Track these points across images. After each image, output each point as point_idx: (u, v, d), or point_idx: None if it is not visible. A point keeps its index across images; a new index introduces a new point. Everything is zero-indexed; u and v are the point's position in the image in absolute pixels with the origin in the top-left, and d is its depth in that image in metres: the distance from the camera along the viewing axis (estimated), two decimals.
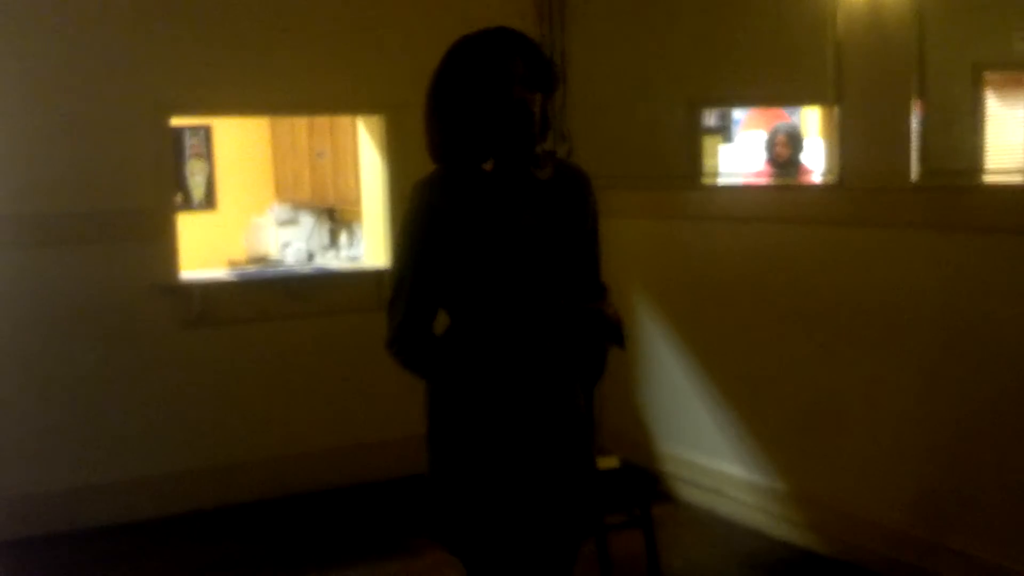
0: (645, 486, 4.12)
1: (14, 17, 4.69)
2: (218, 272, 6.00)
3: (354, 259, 6.51)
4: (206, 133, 7.39)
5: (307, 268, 6.35)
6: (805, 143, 5.63)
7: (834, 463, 4.33)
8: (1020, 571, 3.64)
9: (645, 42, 5.20)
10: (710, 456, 4.93)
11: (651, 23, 5.16)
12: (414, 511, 4.52)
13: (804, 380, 4.44)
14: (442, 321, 2.42)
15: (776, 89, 4.75)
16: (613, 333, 2.42)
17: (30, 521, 4.73)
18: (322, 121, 6.86)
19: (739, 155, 5.83)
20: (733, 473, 4.81)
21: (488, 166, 2.36)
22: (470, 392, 2.38)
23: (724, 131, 5.93)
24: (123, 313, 4.95)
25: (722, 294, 4.83)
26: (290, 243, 7.04)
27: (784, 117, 5.82)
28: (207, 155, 7.43)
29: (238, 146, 7.50)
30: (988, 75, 3.93)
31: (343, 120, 6.48)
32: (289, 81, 5.24)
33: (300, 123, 7.13)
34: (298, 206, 7.24)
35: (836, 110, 4.20)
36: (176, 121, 5.56)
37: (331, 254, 6.99)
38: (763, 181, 5.54)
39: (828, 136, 4.41)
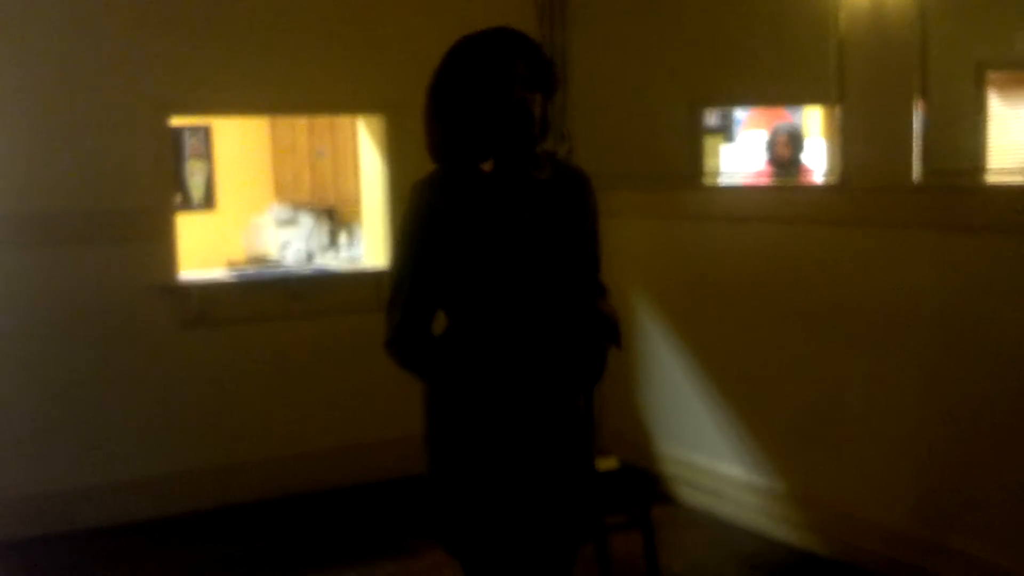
0: (644, 487, 4.12)
1: (13, 17, 4.68)
2: (217, 272, 5.99)
3: (354, 259, 6.49)
4: (206, 133, 7.37)
5: (306, 269, 6.34)
6: (806, 143, 5.62)
7: (834, 464, 4.32)
8: (1020, 571, 3.63)
9: (646, 42, 5.20)
10: (710, 457, 4.92)
11: (652, 23, 5.15)
12: (413, 512, 4.51)
13: (805, 381, 4.43)
14: (442, 321, 2.41)
15: (778, 89, 4.75)
16: (611, 332, 2.42)
17: (29, 521, 4.72)
18: (322, 121, 6.85)
19: (740, 155, 5.82)
20: (733, 474, 4.80)
21: (488, 166, 2.36)
22: (469, 393, 2.37)
23: (725, 131, 5.92)
24: (122, 313, 4.94)
25: (723, 294, 4.82)
26: (289, 243, 7.03)
27: (786, 117, 5.80)
28: (207, 155, 7.42)
29: (238, 146, 7.49)
30: (991, 75, 3.92)
31: (343, 120, 6.47)
32: (289, 81, 5.24)
33: (300, 123, 7.12)
34: (298, 206, 7.23)
35: (838, 110, 4.19)
36: (176, 121, 5.55)
37: (331, 254, 6.97)
38: (764, 181, 5.53)
39: (830, 136, 4.40)
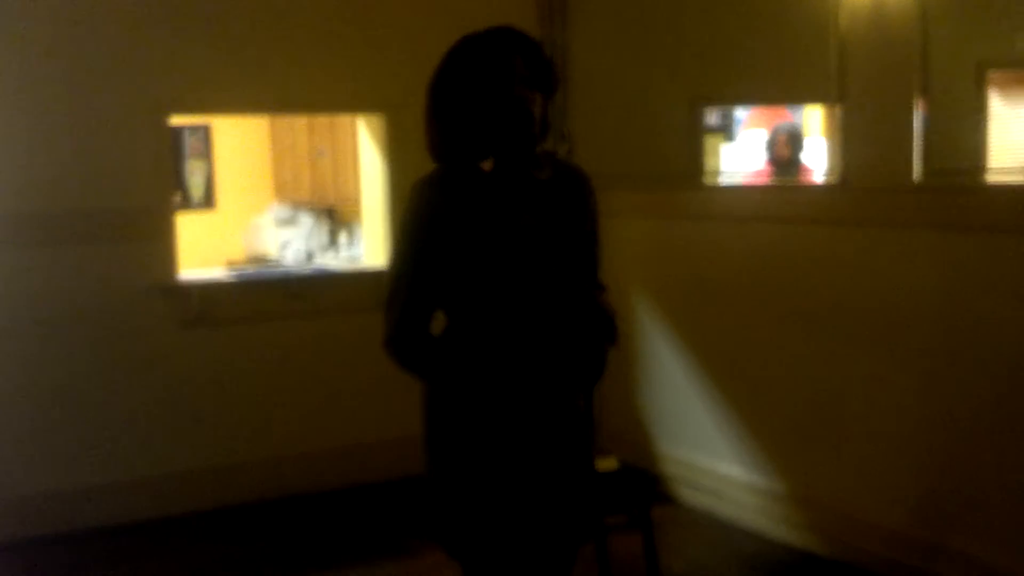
0: (645, 487, 4.11)
1: (13, 16, 4.67)
2: (217, 272, 5.98)
3: (354, 259, 6.49)
4: (205, 132, 7.37)
5: (306, 269, 6.33)
6: (806, 143, 5.62)
7: (834, 464, 4.32)
8: (1021, 572, 3.62)
9: (647, 41, 5.19)
10: (710, 457, 4.91)
11: (653, 22, 5.14)
12: (413, 512, 4.51)
13: (805, 381, 4.43)
14: (441, 321, 2.41)
15: (778, 88, 4.74)
16: (607, 328, 2.42)
17: (28, 522, 4.72)
18: (322, 120, 6.84)
19: (741, 154, 5.81)
20: (733, 474, 4.79)
21: (487, 166, 2.36)
22: (468, 393, 2.37)
23: (726, 130, 5.91)
24: (122, 313, 4.93)
25: (723, 294, 4.81)
26: (289, 243, 7.02)
27: (786, 116, 5.80)
28: (206, 154, 7.41)
29: (237, 145, 7.48)
30: (992, 74, 3.92)
31: (343, 119, 6.47)
32: (289, 80, 5.23)
33: (300, 122, 7.11)
34: (297, 206, 7.23)
35: (838, 109, 4.19)
36: (175, 120, 5.54)
37: (330, 254, 6.97)
38: (765, 181, 5.52)
39: (830, 135, 4.40)
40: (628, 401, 5.31)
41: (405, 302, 2.35)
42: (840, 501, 4.29)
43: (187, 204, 7.20)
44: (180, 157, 7.21)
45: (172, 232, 5.05)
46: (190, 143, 7.32)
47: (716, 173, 5.30)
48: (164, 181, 5.12)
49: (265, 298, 5.33)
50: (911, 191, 3.89)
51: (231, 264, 6.74)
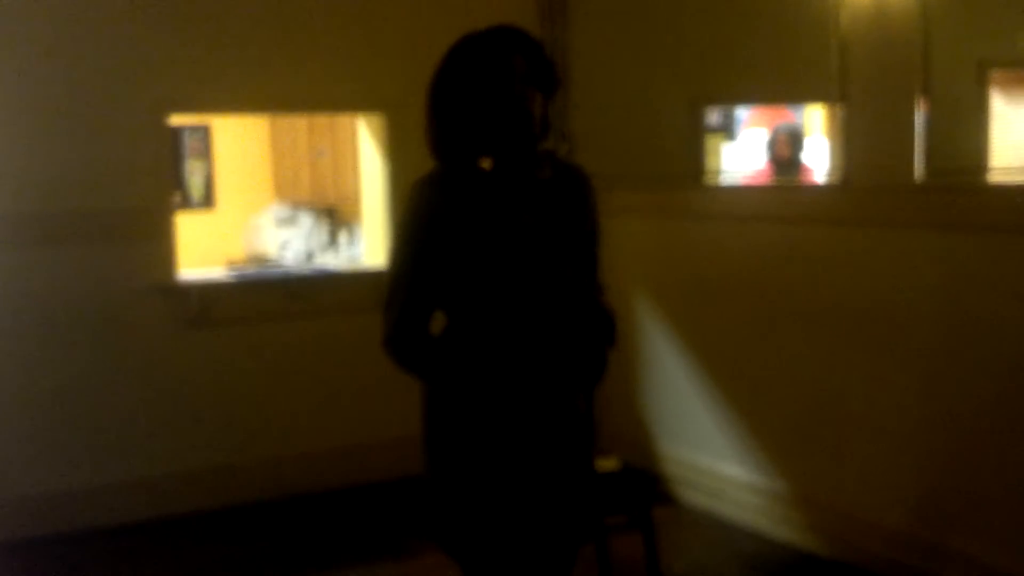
0: (645, 488, 4.10)
1: (12, 16, 4.66)
2: (217, 272, 5.98)
3: (354, 258, 6.48)
4: (205, 132, 7.36)
5: (306, 269, 6.33)
6: (806, 143, 5.61)
7: (836, 464, 4.31)
8: (1021, 572, 3.61)
9: (648, 40, 5.18)
10: (711, 457, 4.90)
11: (654, 21, 5.13)
12: (413, 512, 4.50)
13: (806, 381, 4.42)
14: (440, 321, 2.40)
15: (779, 88, 4.73)
16: (607, 329, 2.41)
17: (28, 522, 4.71)
18: (321, 120, 6.83)
19: (741, 154, 5.81)
20: (734, 474, 4.78)
21: (487, 165, 2.35)
22: (467, 393, 2.36)
23: (727, 130, 5.90)
24: (121, 313, 4.92)
25: (724, 294, 4.80)
26: (289, 243, 7.02)
27: (788, 116, 5.79)
28: (206, 154, 7.41)
29: (237, 145, 7.47)
30: (994, 73, 3.91)
31: (343, 119, 6.46)
32: (289, 79, 5.22)
33: (299, 122, 7.10)
34: (297, 205, 7.22)
35: (840, 108, 4.18)
36: (175, 120, 5.53)
37: (330, 253, 6.96)
38: (765, 181, 5.52)
39: (832, 135, 4.39)
40: (628, 401, 5.30)
41: (404, 302, 2.34)
42: (841, 501, 4.28)
43: (187, 204, 7.19)
44: (180, 157, 7.20)
45: (172, 232, 5.04)
46: (190, 143, 7.32)
47: (717, 172, 5.29)
48: (164, 181, 5.12)
49: (265, 298, 5.32)
50: (912, 191, 3.88)
51: (231, 264, 6.73)
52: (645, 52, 5.19)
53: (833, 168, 4.32)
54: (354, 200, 6.26)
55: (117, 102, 4.86)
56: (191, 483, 5.05)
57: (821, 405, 4.36)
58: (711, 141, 5.43)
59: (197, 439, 5.08)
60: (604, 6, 5.43)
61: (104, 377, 4.90)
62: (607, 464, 3.90)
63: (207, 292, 5.20)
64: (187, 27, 4.98)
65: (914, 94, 3.83)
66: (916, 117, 3.83)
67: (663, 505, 4.73)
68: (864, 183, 4.09)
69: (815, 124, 5.71)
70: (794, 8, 4.34)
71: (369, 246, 5.81)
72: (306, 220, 7.13)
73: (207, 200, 7.42)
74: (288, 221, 7.15)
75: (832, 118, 4.35)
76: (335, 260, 6.73)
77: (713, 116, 5.51)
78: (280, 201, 7.34)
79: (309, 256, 6.95)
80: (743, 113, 5.98)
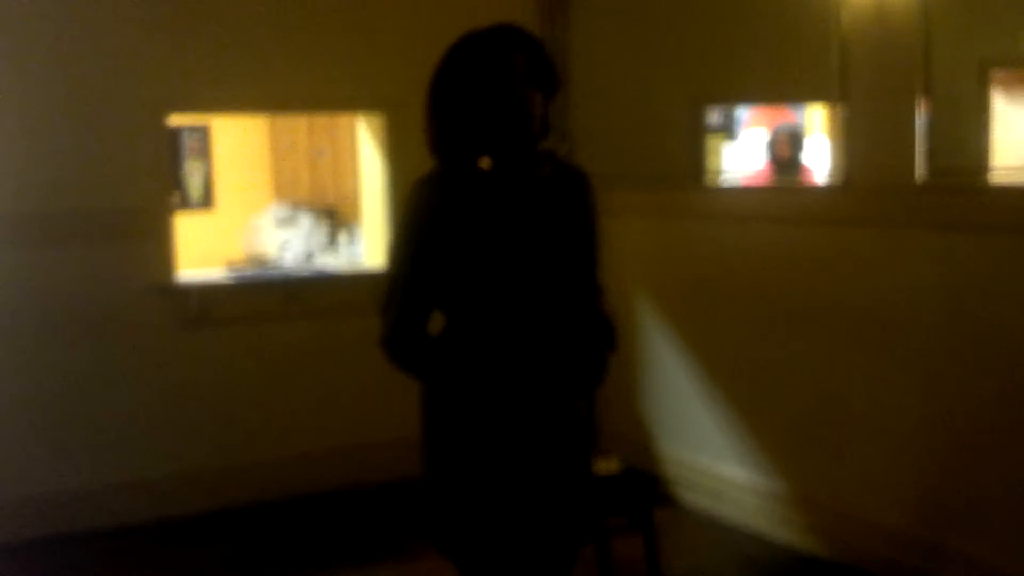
0: (646, 489, 4.09)
1: (11, 16, 4.65)
2: (216, 273, 5.97)
3: (354, 259, 6.47)
4: (204, 132, 7.35)
5: (305, 270, 6.31)
6: (806, 143, 5.61)
7: (836, 465, 4.30)
8: (1022, 572, 3.60)
9: (648, 40, 5.17)
10: (712, 459, 4.89)
11: (655, 21, 5.12)
12: (413, 514, 4.49)
13: (807, 382, 4.41)
14: (439, 321, 2.39)
15: (780, 87, 4.72)
16: (607, 335, 2.39)
17: (27, 523, 4.70)
18: (321, 120, 6.82)
19: (742, 153, 5.80)
20: (734, 476, 4.77)
21: (486, 164, 2.34)
22: (465, 394, 2.35)
23: (727, 129, 5.90)
24: (120, 313, 4.91)
25: (725, 295, 4.79)
26: (289, 243, 7.00)
27: (788, 115, 5.78)
28: (205, 154, 7.40)
29: (236, 145, 7.47)
30: (995, 72, 3.90)
31: (343, 119, 6.45)
32: (288, 79, 5.21)
33: (299, 122, 7.09)
34: (297, 206, 7.21)
35: (840, 108, 4.17)
36: (174, 120, 5.52)
37: (330, 254, 6.95)
38: (766, 181, 5.51)
39: (833, 135, 4.38)
40: (629, 402, 5.29)
41: (402, 302, 2.34)
42: (841, 502, 4.27)
43: (185, 204, 7.18)
44: (179, 157, 7.19)
45: (171, 232, 5.03)
46: (189, 143, 7.31)
47: (717, 173, 5.28)
48: (163, 181, 5.10)
49: (264, 299, 5.31)
50: (913, 191, 3.87)
51: (230, 264, 6.72)
52: (645, 52, 5.18)
53: (834, 168, 4.31)
54: (354, 200, 6.25)
55: (116, 102, 4.85)
56: (190, 484, 5.04)
57: (822, 405, 4.35)
58: (711, 141, 5.42)
59: (196, 440, 5.07)
60: (605, 5, 5.42)
61: (103, 378, 4.88)
62: (607, 465, 3.89)
63: (206, 293, 5.19)
64: (186, 27, 4.97)
65: (915, 94, 3.82)
66: (917, 117, 3.82)
67: (663, 506, 4.71)
68: (865, 183, 4.08)
69: (816, 124, 5.71)
70: (795, 7, 4.33)
71: (369, 246, 5.79)
72: (306, 220, 7.12)
73: (206, 200, 7.41)
74: (288, 221, 7.14)
75: (833, 118, 4.33)
76: (335, 260, 6.72)
77: (714, 116, 5.50)
78: (280, 201, 7.33)
79: (309, 256, 6.94)
80: (744, 113, 5.97)
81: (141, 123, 4.91)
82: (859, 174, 4.11)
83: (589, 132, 5.40)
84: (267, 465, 5.21)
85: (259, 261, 6.96)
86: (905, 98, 3.85)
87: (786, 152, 5.63)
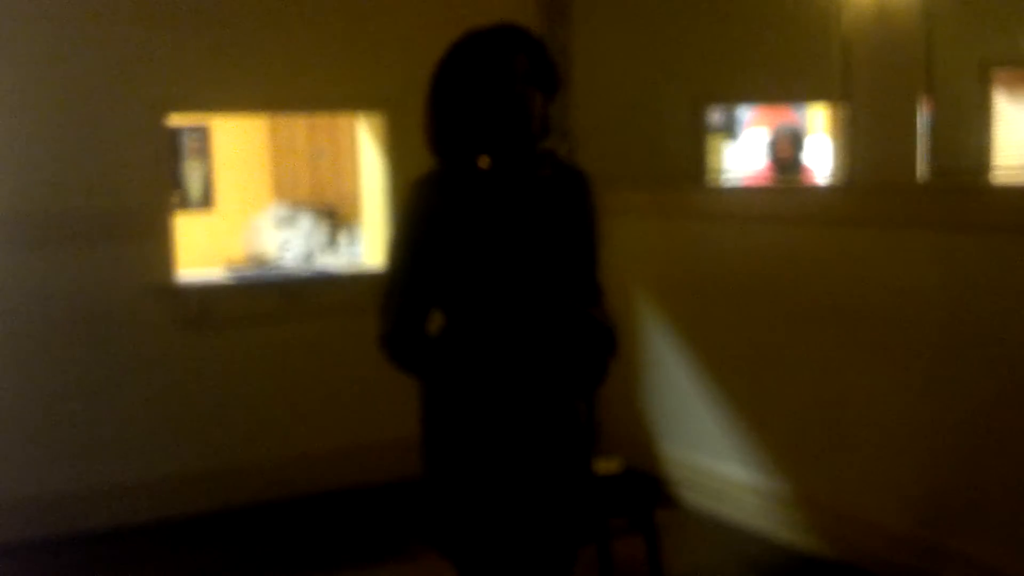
0: (647, 490, 4.09)
1: (10, 16, 4.65)
2: (216, 273, 5.96)
3: (354, 259, 6.46)
4: (204, 132, 7.35)
5: (305, 270, 6.31)
6: (806, 143, 5.61)
7: (837, 465, 4.30)
8: (1022, 572, 3.60)
9: (650, 40, 5.17)
10: (713, 459, 4.89)
11: (656, 20, 5.12)
12: (412, 515, 4.48)
13: (808, 382, 4.40)
14: (438, 320, 2.38)
15: (782, 86, 4.72)
16: (606, 341, 2.36)
17: (26, 525, 4.69)
18: (321, 120, 6.81)
19: (743, 153, 5.80)
20: (736, 476, 4.77)
21: (484, 163, 2.33)
22: (464, 393, 2.35)
23: (729, 129, 5.90)
24: (120, 314, 4.90)
25: (726, 295, 4.78)
26: (289, 243, 7.00)
27: (790, 115, 5.78)
28: (205, 154, 7.39)
29: (236, 145, 7.46)
30: (997, 72, 3.89)
31: (342, 119, 6.44)
32: (288, 78, 5.21)
33: (299, 122, 7.09)
34: (297, 206, 7.20)
35: (842, 108, 4.16)
36: (174, 120, 5.52)
37: (330, 254, 6.94)
38: (766, 181, 5.51)
39: (835, 134, 4.37)
40: (630, 403, 5.29)
41: (400, 301, 2.33)
42: (844, 503, 4.26)
43: (185, 204, 7.17)
44: (179, 157, 7.18)
45: (170, 232, 5.02)
46: (188, 143, 7.30)
47: (718, 172, 5.28)
48: (162, 181, 5.09)
49: (264, 299, 5.30)
50: (915, 190, 3.86)
51: (230, 264, 6.71)
52: (647, 51, 5.17)
53: (836, 168, 4.30)
54: (354, 200, 6.24)
55: (116, 102, 4.85)
56: (189, 485, 5.03)
57: (822, 405, 4.34)
58: (713, 141, 5.42)
59: (196, 441, 5.06)
60: (606, 5, 5.41)
61: (103, 378, 4.88)
62: (609, 466, 3.88)
63: (206, 293, 5.18)
64: (186, 27, 4.96)
65: (917, 93, 3.82)
66: (919, 117, 3.82)
67: (665, 507, 4.70)
68: (867, 183, 4.07)
69: (817, 124, 5.71)
70: (796, 8, 4.33)
71: (369, 246, 5.79)
72: (306, 220, 7.11)
73: (206, 200, 7.40)
74: (287, 221, 7.13)
75: (834, 118, 4.33)
76: (335, 260, 6.71)
77: (715, 116, 5.51)
78: (279, 201, 7.33)
79: (309, 256, 6.93)
80: (745, 113, 5.97)
81: (141, 123, 4.91)
82: (861, 173, 4.10)
83: (590, 132, 5.39)
84: (267, 465, 5.20)
85: (259, 261, 6.95)
86: (907, 98, 3.85)
87: (787, 152, 5.64)
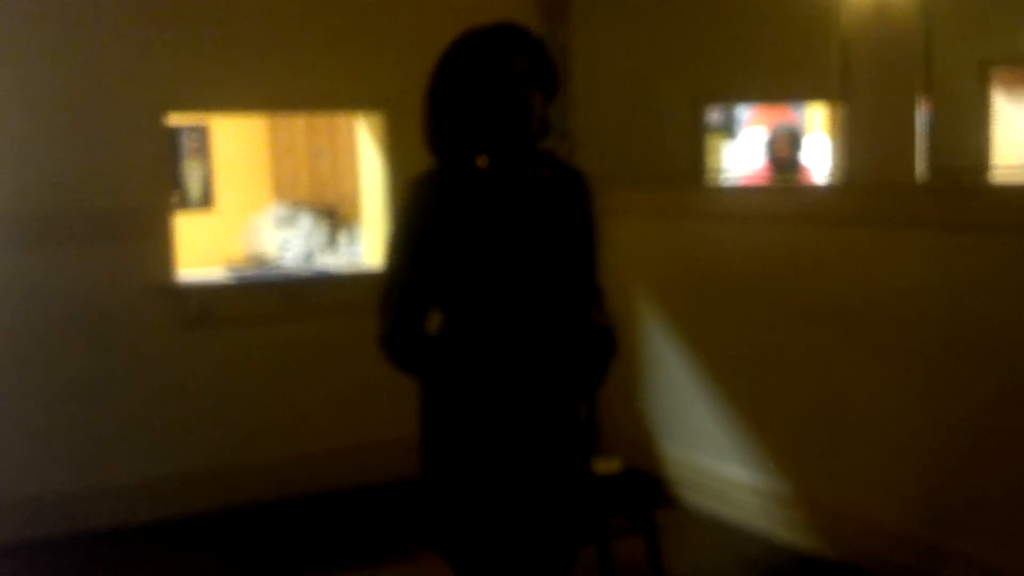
0: (647, 490, 4.08)
1: (9, 16, 4.64)
2: (216, 272, 5.96)
3: (354, 258, 6.46)
4: (203, 132, 7.34)
5: (305, 270, 6.31)
6: (804, 143, 5.62)
7: (838, 466, 4.29)
8: (1022, 572, 3.60)
9: (649, 39, 5.17)
10: (714, 459, 4.89)
11: (655, 20, 5.12)
12: (412, 515, 4.48)
13: (809, 382, 4.40)
14: (437, 320, 2.38)
15: (781, 86, 4.72)
16: (606, 343, 2.35)
17: (26, 525, 4.69)
18: (321, 120, 6.81)
19: (742, 152, 5.80)
20: (736, 476, 4.77)
21: (483, 163, 2.33)
22: (463, 394, 2.35)
23: (727, 128, 5.90)
24: (120, 314, 4.90)
25: (726, 295, 4.78)
26: (289, 242, 6.99)
27: (788, 114, 5.78)
28: (204, 154, 7.39)
29: (236, 145, 7.46)
30: (996, 71, 3.90)
31: (342, 119, 6.44)
32: (287, 78, 5.21)
33: (298, 121, 7.09)
34: (297, 205, 7.20)
35: (841, 107, 4.16)
36: (174, 120, 5.52)
37: (330, 253, 6.94)
38: (764, 180, 5.51)
39: (834, 134, 4.38)
40: (630, 403, 5.28)
41: (399, 301, 2.33)
42: (844, 503, 4.26)
43: (185, 204, 7.17)
44: (178, 157, 7.18)
45: (170, 232, 5.02)
46: (188, 143, 7.30)
47: (717, 172, 5.28)
48: (162, 181, 5.10)
49: (264, 299, 5.30)
50: (914, 190, 3.86)
51: (230, 264, 6.71)
52: (646, 51, 5.17)
53: (835, 167, 4.31)
54: (354, 200, 6.24)
55: (116, 102, 4.85)
56: (189, 485, 5.03)
57: (822, 405, 4.34)
58: (712, 140, 5.42)
59: (196, 441, 5.06)
60: (605, 5, 5.41)
61: (103, 378, 4.87)
62: (609, 466, 3.88)
63: (206, 293, 5.18)
64: (186, 27, 4.96)
65: (916, 93, 3.82)
66: (918, 116, 3.82)
67: (665, 507, 4.70)
68: (866, 182, 4.07)
69: (816, 123, 5.71)
70: (795, 7, 4.33)
71: (369, 246, 5.79)
72: (305, 220, 7.11)
73: (205, 200, 7.40)
74: (287, 221, 7.13)
75: (833, 117, 4.33)
76: (335, 260, 6.71)
77: (714, 115, 5.51)
78: (279, 201, 7.32)
79: (309, 256, 6.93)
80: (744, 112, 5.97)
81: (141, 123, 4.91)
82: (859, 173, 4.10)
83: (589, 132, 5.39)
84: (267, 465, 5.20)
85: (259, 261, 6.95)
86: (906, 97, 3.85)
87: (785, 151, 5.64)
